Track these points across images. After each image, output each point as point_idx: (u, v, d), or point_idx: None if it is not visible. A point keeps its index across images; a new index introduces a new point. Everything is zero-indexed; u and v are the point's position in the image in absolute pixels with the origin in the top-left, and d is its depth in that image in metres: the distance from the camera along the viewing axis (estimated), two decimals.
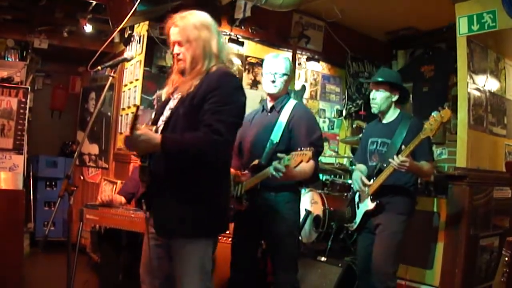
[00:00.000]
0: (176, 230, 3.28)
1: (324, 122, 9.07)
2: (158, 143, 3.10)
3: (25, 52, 8.06)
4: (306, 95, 8.69)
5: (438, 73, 8.53)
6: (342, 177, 7.51)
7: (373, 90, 4.95)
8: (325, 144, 8.80)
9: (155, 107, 3.51)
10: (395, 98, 4.91)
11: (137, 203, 3.81)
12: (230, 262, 4.62)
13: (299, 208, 4.77)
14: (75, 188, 3.41)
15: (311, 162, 4.21)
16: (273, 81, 4.55)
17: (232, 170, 4.12)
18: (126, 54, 3.67)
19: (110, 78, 3.60)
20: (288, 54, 8.10)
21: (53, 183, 9.02)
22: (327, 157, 8.64)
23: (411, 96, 8.89)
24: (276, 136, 4.44)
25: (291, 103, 4.59)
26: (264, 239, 4.75)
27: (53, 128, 9.68)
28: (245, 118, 4.52)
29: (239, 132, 3.97)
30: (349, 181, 6.87)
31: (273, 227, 4.42)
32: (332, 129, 9.16)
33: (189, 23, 3.39)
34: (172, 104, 3.43)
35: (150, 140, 3.13)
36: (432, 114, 4.35)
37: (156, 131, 3.32)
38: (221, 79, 3.29)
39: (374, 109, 4.97)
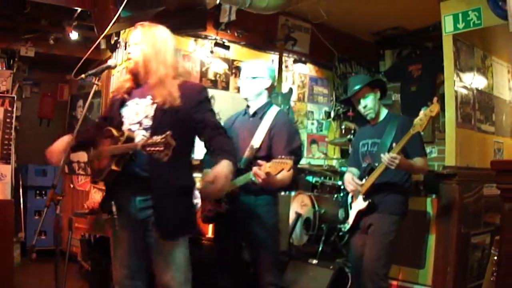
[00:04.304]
0: (179, 230, 3.58)
1: (312, 124, 9.05)
2: (231, 169, 3.34)
3: (12, 61, 8.03)
4: (294, 97, 8.65)
5: (426, 72, 8.52)
6: (332, 178, 7.49)
7: (360, 100, 4.97)
8: (314, 145, 8.82)
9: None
10: (378, 95, 4.97)
11: (103, 206, 3.80)
12: (214, 265, 4.65)
13: (278, 211, 4.74)
14: (61, 198, 3.40)
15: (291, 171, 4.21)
16: (244, 85, 4.62)
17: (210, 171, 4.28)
18: (110, 62, 3.68)
19: (95, 86, 3.60)
20: (275, 56, 8.11)
21: (43, 192, 8.98)
22: (316, 159, 8.64)
23: (399, 96, 8.93)
24: (257, 141, 4.46)
25: (274, 110, 4.60)
26: (245, 242, 4.73)
27: (42, 136, 9.56)
28: (226, 122, 4.64)
29: None
30: (339, 183, 6.86)
31: (253, 229, 4.43)
32: (321, 131, 9.14)
33: (151, 30, 3.68)
34: (139, 108, 3.58)
35: (228, 174, 3.34)
36: (422, 109, 4.37)
37: (130, 138, 3.44)
38: (201, 93, 3.67)
39: (371, 115, 4.99)
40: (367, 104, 4.93)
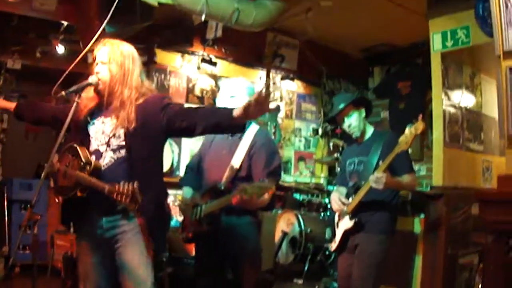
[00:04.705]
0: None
1: (300, 141, 9.02)
2: None
3: None
4: (282, 114, 8.65)
5: (415, 89, 8.46)
6: (319, 196, 7.45)
7: (344, 118, 4.93)
8: (301, 163, 8.78)
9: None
10: (363, 112, 4.94)
11: (63, 219, 3.77)
12: (196, 285, 4.60)
13: (260, 231, 4.76)
14: (39, 217, 3.39)
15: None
16: (223, 104, 4.52)
17: (189, 190, 4.54)
18: (91, 79, 3.60)
19: (75, 103, 3.53)
20: (262, 73, 8.07)
21: (28, 206, 8.87)
22: (303, 177, 8.62)
23: (387, 113, 8.89)
24: (236, 162, 4.40)
25: (253, 129, 4.54)
26: (227, 262, 4.66)
27: (28, 150, 9.56)
28: (204, 143, 4.62)
29: (200, 156, 4.68)
30: (326, 200, 6.83)
31: (236, 249, 4.39)
32: (308, 148, 9.10)
33: (118, 49, 3.65)
34: (106, 127, 3.57)
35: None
36: (407, 127, 4.35)
37: (96, 169, 3.42)
38: (162, 100, 3.64)
39: (356, 133, 4.96)
40: (351, 123, 4.90)
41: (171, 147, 7.34)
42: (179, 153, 7.49)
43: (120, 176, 3.37)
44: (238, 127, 3.41)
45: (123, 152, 3.49)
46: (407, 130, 4.35)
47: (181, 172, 7.36)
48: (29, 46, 7.86)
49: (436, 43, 5.99)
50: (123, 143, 3.49)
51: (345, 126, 4.96)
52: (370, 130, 4.97)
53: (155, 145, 3.63)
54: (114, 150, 3.50)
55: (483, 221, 3.30)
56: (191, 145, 7.38)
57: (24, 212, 8.80)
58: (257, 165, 4.36)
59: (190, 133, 3.61)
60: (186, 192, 4.60)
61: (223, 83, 4.71)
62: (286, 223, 6.66)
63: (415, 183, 4.85)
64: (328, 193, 6.86)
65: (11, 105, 4.11)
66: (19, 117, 4.14)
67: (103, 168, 3.44)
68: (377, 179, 4.32)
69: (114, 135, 3.52)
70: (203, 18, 5.28)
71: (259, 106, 3.15)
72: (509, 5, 3.43)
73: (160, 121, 3.54)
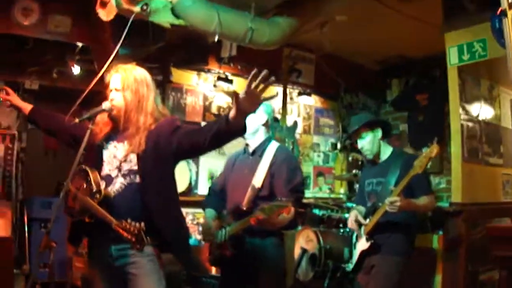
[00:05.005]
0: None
1: (318, 156, 9.00)
2: None
3: (16, 93, 8.01)
4: (299, 129, 8.63)
5: (433, 101, 8.37)
6: (339, 212, 7.40)
7: (358, 140, 4.97)
8: (321, 178, 8.74)
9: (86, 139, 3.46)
10: (379, 134, 4.92)
11: (71, 240, 3.79)
12: None
13: (285, 253, 4.69)
14: (55, 245, 3.36)
15: (291, 209, 4.15)
16: None
17: (212, 212, 4.51)
18: (104, 105, 3.59)
19: (89, 131, 3.52)
20: (279, 89, 8.04)
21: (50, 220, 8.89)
22: (322, 192, 8.59)
23: (406, 125, 8.81)
24: (258, 181, 4.37)
25: (273, 146, 4.52)
26: (251, 283, 4.63)
27: (48, 168, 9.59)
28: (227, 162, 4.55)
29: (223, 175, 4.69)
30: (346, 215, 6.78)
31: (260, 272, 4.34)
32: (327, 162, 9.08)
33: (131, 75, 3.63)
34: (118, 152, 3.57)
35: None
36: (423, 150, 4.34)
37: (107, 197, 3.39)
38: (174, 122, 3.62)
39: (368, 155, 5.00)
40: (364, 145, 4.93)
41: (189, 166, 7.35)
42: (197, 172, 7.50)
43: (130, 202, 3.38)
44: (237, 129, 3.26)
45: (133, 177, 3.47)
46: (422, 154, 4.37)
47: (199, 191, 7.37)
48: (46, 67, 7.93)
49: (453, 57, 5.92)
50: (135, 167, 3.48)
51: (359, 147, 5.00)
52: (388, 150, 4.96)
53: (166, 168, 3.60)
54: (124, 176, 3.49)
55: (494, 257, 3.22)
56: (209, 164, 7.42)
57: (44, 231, 8.84)
58: (279, 182, 4.33)
59: (198, 149, 3.62)
60: (208, 214, 4.56)
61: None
62: (305, 240, 6.62)
63: (433, 204, 4.80)
64: (348, 210, 6.83)
65: (27, 106, 4.07)
66: (33, 122, 4.12)
67: (113, 194, 3.42)
68: (391, 203, 4.31)
69: (125, 160, 3.52)
70: (216, 38, 5.27)
71: (250, 99, 3.08)
72: None
73: (171, 143, 3.52)
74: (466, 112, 5.95)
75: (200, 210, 6.74)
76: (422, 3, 6.06)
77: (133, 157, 3.50)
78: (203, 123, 7.52)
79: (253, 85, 3.02)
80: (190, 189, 7.35)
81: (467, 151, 5.85)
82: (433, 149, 4.28)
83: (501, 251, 3.16)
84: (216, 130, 3.31)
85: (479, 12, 5.43)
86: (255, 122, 4.49)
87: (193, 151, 3.80)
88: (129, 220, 3.14)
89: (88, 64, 7.60)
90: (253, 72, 3.00)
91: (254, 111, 3.29)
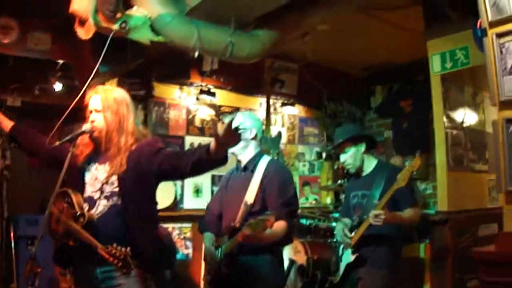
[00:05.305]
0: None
1: (304, 165, 9.02)
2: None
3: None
4: (284, 140, 8.63)
5: (417, 107, 8.37)
6: (326, 221, 7.40)
7: (340, 154, 4.98)
8: (307, 187, 8.73)
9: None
10: (362, 148, 4.90)
11: (56, 260, 3.73)
12: None
13: (280, 269, 4.63)
14: (39, 270, 3.37)
15: (283, 223, 4.13)
16: None
17: (210, 237, 4.41)
18: (85, 127, 3.56)
19: (70, 154, 3.49)
20: (263, 100, 8.03)
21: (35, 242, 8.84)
22: (309, 202, 8.60)
23: (391, 132, 8.81)
24: (250, 197, 4.31)
25: (264, 160, 4.47)
26: None
27: (32, 185, 9.54)
28: (222, 180, 4.63)
29: (218, 197, 4.67)
30: (334, 224, 6.78)
31: None
32: (313, 172, 9.10)
33: (111, 96, 3.63)
34: (99, 174, 3.55)
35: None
36: (406, 163, 4.36)
37: (90, 221, 3.35)
38: (156, 144, 3.67)
39: (351, 169, 5.00)
40: (346, 159, 4.93)
41: (174, 181, 7.29)
42: (182, 186, 7.44)
43: (113, 224, 3.38)
44: (217, 160, 3.34)
45: (116, 199, 3.46)
46: (405, 167, 4.41)
47: (185, 205, 7.34)
48: (28, 84, 7.89)
49: (435, 65, 5.91)
50: (117, 189, 3.47)
51: (341, 161, 5.00)
52: (372, 163, 4.95)
53: (147, 189, 3.59)
54: (107, 198, 3.47)
55: (482, 283, 3.19)
56: (194, 178, 7.33)
57: (31, 248, 8.78)
58: (271, 197, 4.27)
59: (179, 173, 3.64)
60: (207, 240, 4.46)
61: (226, 119, 4.65)
62: (294, 251, 6.62)
63: (418, 216, 4.77)
64: (335, 220, 6.82)
65: (7, 123, 3.94)
66: (14, 140, 4.01)
67: (96, 217, 3.40)
68: (375, 216, 4.29)
69: (107, 182, 3.50)
70: (196, 54, 5.25)
71: (226, 137, 3.15)
72: (503, 51, 3.30)
73: (153, 164, 3.52)
74: (450, 120, 5.95)
75: (186, 225, 6.73)
76: (404, 11, 6.06)
77: (114, 179, 3.49)
78: (187, 137, 7.57)
79: (228, 126, 3.11)
80: (176, 203, 7.29)
81: (452, 159, 5.86)
82: (416, 162, 4.29)
83: (488, 276, 3.12)
84: (198, 157, 3.34)
85: (461, 19, 5.42)
86: (244, 136, 4.44)
87: (174, 175, 3.80)
88: (114, 245, 3.12)
89: (70, 79, 7.58)
90: (228, 121, 3.09)
91: (234, 145, 3.37)
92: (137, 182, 3.48)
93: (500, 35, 3.34)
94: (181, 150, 3.79)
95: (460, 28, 5.53)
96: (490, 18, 3.40)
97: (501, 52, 3.34)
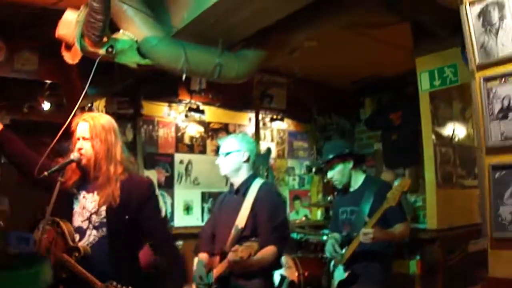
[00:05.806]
0: None
1: (294, 180, 9.03)
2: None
3: None
4: (273, 154, 8.66)
5: (406, 120, 8.35)
6: (317, 235, 7.40)
7: (328, 171, 4.96)
8: (297, 201, 8.73)
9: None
10: (350, 165, 4.90)
11: None
12: None
13: None
14: None
15: (272, 248, 4.15)
16: (221, 163, 4.53)
17: (204, 256, 4.44)
18: (73, 156, 3.54)
19: (58, 183, 3.45)
20: (252, 115, 8.02)
21: None
22: (300, 216, 8.60)
23: (380, 145, 8.80)
24: (241, 221, 4.29)
25: (257, 184, 4.45)
26: None
27: (23, 202, 9.49)
28: (216, 203, 4.78)
29: (212, 219, 4.75)
30: (324, 238, 6.77)
31: None
32: (303, 185, 9.11)
33: (99, 123, 3.61)
34: (87, 203, 3.53)
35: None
36: (395, 182, 4.35)
37: (85, 255, 3.35)
38: (149, 188, 3.73)
39: (338, 185, 4.99)
40: (333, 175, 4.92)
41: (164, 198, 7.29)
42: (172, 204, 7.45)
43: (103, 255, 3.37)
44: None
45: (105, 229, 3.45)
46: (395, 186, 4.42)
47: (176, 223, 7.33)
48: (16, 102, 7.86)
49: (424, 83, 5.92)
50: (105, 220, 3.46)
51: (329, 177, 4.99)
52: (360, 178, 4.93)
53: (134, 223, 3.55)
54: (96, 228, 3.46)
55: None
56: (185, 195, 7.38)
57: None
58: (262, 221, 4.26)
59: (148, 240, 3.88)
60: (199, 263, 4.42)
61: (220, 141, 4.65)
62: (284, 267, 6.60)
63: (407, 232, 4.77)
64: (326, 234, 6.82)
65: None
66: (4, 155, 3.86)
67: (89, 248, 3.39)
68: (365, 234, 4.30)
69: (96, 212, 3.48)
70: (184, 77, 5.23)
71: None
72: (491, 95, 3.22)
73: (138, 211, 3.53)
74: (439, 137, 5.97)
75: (178, 243, 6.70)
76: (392, 27, 6.05)
77: (103, 209, 3.47)
78: (176, 155, 7.58)
79: None
80: (167, 221, 7.27)
81: (441, 177, 5.87)
82: (406, 182, 4.36)
83: None
84: (159, 262, 3.52)
85: (450, 36, 5.42)
86: (236, 160, 4.47)
87: (145, 235, 3.83)
88: (114, 283, 3.14)
89: (58, 97, 7.56)
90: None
91: None
92: (125, 215, 3.48)
93: (487, 80, 3.25)
94: (162, 228, 3.76)
95: (449, 45, 5.54)
96: (477, 61, 3.31)
97: (488, 96, 3.24)
